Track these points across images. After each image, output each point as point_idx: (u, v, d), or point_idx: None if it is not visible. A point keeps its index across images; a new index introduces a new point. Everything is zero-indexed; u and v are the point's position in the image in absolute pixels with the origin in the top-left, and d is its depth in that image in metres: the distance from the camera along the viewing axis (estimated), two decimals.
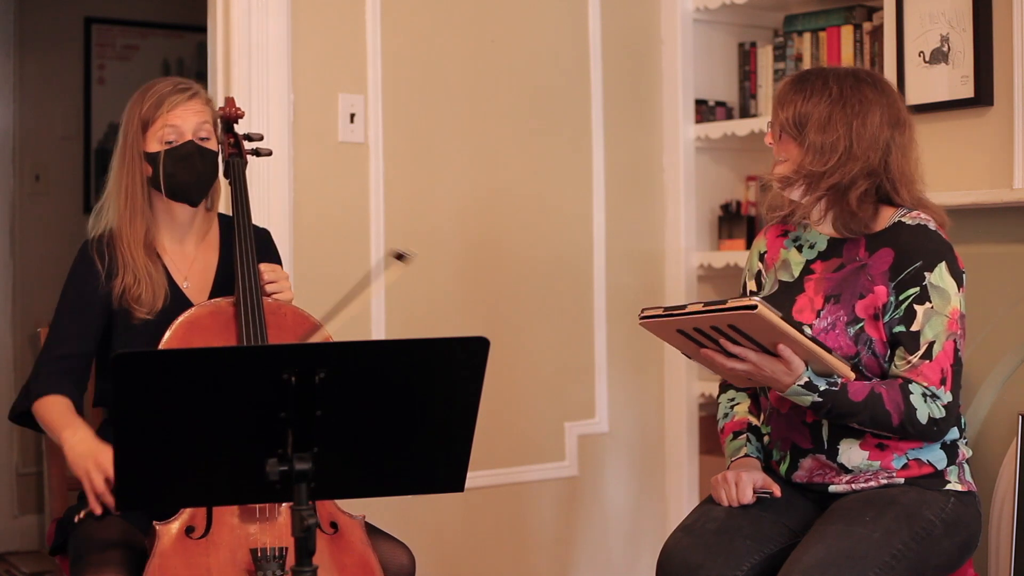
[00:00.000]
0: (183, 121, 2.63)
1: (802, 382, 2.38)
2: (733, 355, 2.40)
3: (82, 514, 2.50)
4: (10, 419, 2.67)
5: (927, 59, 3.31)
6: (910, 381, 2.44)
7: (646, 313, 2.41)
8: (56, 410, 2.56)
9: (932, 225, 2.54)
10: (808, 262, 2.63)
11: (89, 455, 2.45)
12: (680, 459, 4.13)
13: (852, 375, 2.44)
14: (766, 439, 2.67)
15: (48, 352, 2.63)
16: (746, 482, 2.54)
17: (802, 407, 2.50)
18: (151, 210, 2.70)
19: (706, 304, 2.34)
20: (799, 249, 2.65)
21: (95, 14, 5.46)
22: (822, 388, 2.39)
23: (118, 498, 2.03)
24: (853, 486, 2.53)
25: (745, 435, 2.65)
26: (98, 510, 2.44)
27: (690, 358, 2.53)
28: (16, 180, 5.25)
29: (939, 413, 2.44)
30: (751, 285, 2.74)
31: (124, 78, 5.33)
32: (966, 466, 2.59)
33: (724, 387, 2.78)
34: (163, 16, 5.56)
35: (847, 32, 3.80)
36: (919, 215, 2.55)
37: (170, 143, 2.63)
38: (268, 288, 2.69)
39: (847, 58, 3.79)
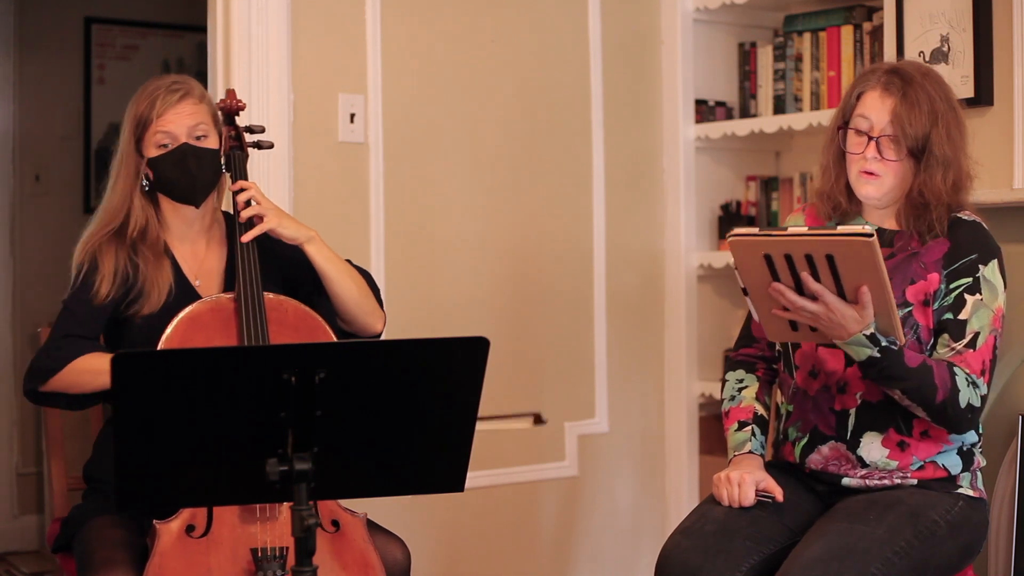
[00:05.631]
0: (174, 125, 2.62)
1: (868, 332, 2.34)
2: (804, 295, 2.33)
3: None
4: (29, 398, 2.60)
5: (927, 59, 3.31)
6: (954, 365, 2.44)
7: (738, 231, 2.33)
8: (100, 357, 2.54)
9: (986, 225, 2.57)
10: None
11: None
12: (680, 459, 4.13)
13: (904, 340, 2.42)
14: (784, 417, 2.65)
15: (62, 329, 2.60)
16: (749, 484, 2.53)
17: (825, 390, 2.53)
18: (159, 211, 2.71)
19: (811, 228, 2.29)
20: None
21: (95, 14, 5.45)
22: (883, 344, 2.35)
23: (118, 498, 2.02)
24: (867, 481, 2.53)
25: (750, 427, 2.63)
26: None
27: (746, 295, 2.42)
28: (16, 180, 5.25)
29: (977, 402, 2.44)
30: None
31: (124, 78, 5.33)
32: (979, 474, 2.59)
33: (733, 365, 2.74)
34: (163, 16, 5.56)
35: (847, 32, 3.80)
36: (972, 214, 2.58)
37: (165, 146, 2.63)
38: (243, 209, 2.66)
39: (847, 58, 3.79)
